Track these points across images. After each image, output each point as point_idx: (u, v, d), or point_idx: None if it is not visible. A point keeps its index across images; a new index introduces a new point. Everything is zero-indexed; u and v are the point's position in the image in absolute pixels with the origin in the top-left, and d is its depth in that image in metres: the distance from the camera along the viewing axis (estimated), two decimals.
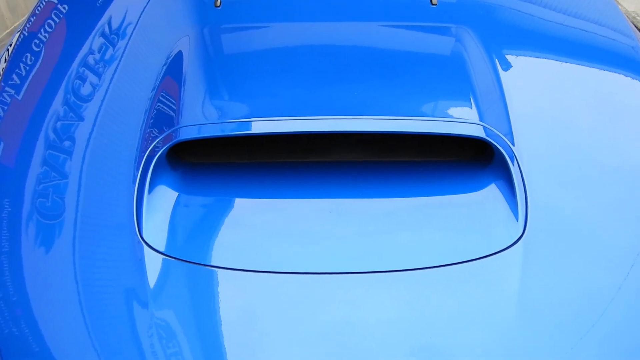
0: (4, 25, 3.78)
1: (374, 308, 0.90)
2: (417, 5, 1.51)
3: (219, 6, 1.49)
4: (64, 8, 1.50)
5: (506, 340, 0.87)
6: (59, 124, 1.15)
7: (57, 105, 1.20)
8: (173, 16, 1.49)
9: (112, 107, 1.21)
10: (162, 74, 1.25)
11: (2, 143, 1.16)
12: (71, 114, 1.17)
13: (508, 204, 1.03)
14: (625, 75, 1.37)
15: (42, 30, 1.46)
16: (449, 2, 1.52)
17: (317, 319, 0.89)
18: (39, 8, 1.53)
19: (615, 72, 1.39)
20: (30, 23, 1.50)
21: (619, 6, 4.59)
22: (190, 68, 1.27)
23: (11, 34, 3.74)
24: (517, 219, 1.00)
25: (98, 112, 1.18)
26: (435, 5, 1.49)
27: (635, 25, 4.22)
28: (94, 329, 0.91)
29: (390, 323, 0.88)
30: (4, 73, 1.33)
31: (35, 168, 1.08)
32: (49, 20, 1.50)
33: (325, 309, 0.90)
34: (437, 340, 0.86)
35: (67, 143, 1.11)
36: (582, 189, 1.07)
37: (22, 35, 1.44)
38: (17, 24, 3.87)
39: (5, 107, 1.22)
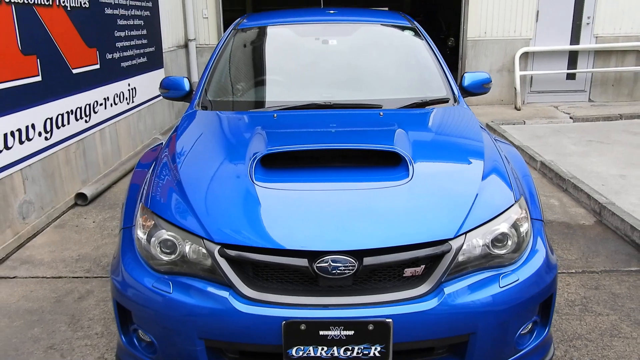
0: (98, 171, 5.32)
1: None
2: (372, 116, 3.10)
3: (275, 117, 3.07)
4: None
5: (397, 212, 2.13)
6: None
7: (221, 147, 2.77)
8: (256, 122, 3.05)
9: (238, 150, 2.65)
10: (253, 137, 2.75)
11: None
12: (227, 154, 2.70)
13: (407, 173, 2.41)
14: (466, 149, 2.82)
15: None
16: (388, 118, 3.09)
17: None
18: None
19: (461, 149, 2.83)
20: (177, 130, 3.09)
21: (540, 157, 6.29)
22: (264, 135, 2.75)
23: (103, 176, 5.27)
24: (409, 176, 2.35)
25: (239, 150, 2.64)
26: (382, 116, 3.09)
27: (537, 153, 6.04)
28: (236, 214, 2.24)
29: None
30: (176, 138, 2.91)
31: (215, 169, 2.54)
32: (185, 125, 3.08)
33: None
34: (372, 215, 2.22)
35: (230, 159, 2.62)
36: (436, 172, 2.41)
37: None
38: (106, 170, 5.43)
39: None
